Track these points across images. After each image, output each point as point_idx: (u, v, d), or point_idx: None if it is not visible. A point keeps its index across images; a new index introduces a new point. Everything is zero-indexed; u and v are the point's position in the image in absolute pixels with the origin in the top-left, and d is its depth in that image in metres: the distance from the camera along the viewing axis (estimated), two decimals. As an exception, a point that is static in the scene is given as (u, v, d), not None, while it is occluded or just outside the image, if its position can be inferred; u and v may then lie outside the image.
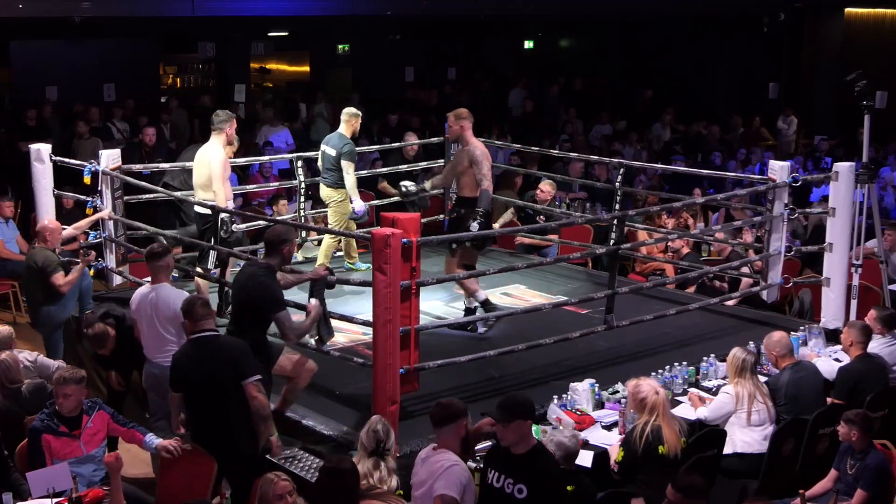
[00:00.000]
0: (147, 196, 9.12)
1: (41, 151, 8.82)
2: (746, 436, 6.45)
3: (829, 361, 7.43)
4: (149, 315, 6.82)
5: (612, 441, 6.27)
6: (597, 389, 6.81)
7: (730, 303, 8.82)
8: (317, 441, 6.48)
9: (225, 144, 8.26)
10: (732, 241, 9.79)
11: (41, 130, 12.53)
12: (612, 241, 8.59)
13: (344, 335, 8.07)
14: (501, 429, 4.98)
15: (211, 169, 8.10)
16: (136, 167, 9.69)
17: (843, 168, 8.38)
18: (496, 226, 11.04)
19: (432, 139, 10.79)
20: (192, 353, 5.92)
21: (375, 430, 5.40)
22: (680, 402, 6.87)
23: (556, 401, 6.65)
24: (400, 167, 10.80)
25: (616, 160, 11.01)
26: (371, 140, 13.87)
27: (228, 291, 8.15)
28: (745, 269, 9.18)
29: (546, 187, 11.00)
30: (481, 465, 5.39)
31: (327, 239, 9.42)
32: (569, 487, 5.30)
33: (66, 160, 9.20)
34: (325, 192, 9.39)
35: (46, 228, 8.47)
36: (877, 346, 7.27)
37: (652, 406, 5.79)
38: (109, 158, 8.84)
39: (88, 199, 8.84)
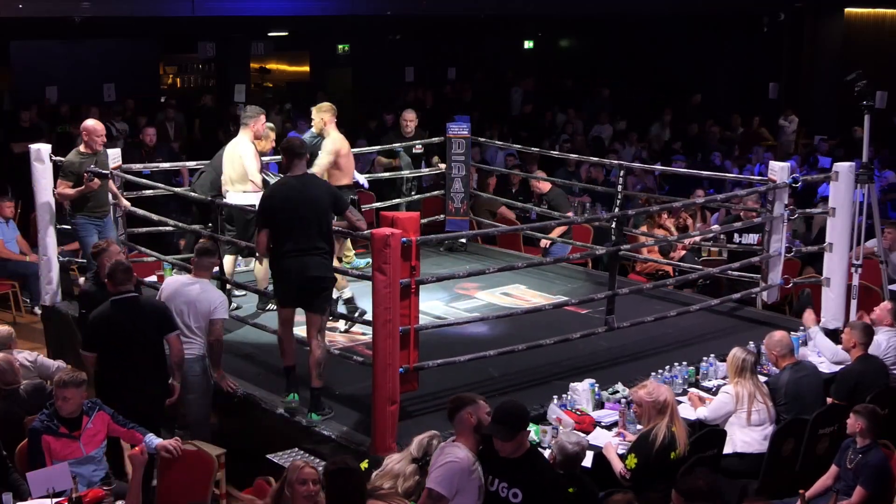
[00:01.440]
0: (148, 193, 9.15)
1: (41, 151, 8.81)
2: (746, 436, 6.45)
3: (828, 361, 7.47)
4: (183, 303, 6.83)
5: (606, 442, 6.25)
6: (597, 389, 6.81)
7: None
8: (317, 441, 6.47)
9: (252, 139, 8.35)
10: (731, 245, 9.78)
11: (32, 131, 12.53)
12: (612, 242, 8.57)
13: (344, 335, 8.08)
14: (502, 443, 4.97)
15: (243, 164, 8.19)
16: (137, 166, 9.70)
17: (843, 168, 8.38)
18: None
19: (433, 139, 10.76)
20: (117, 312, 6.43)
21: (430, 442, 5.38)
22: (680, 402, 6.86)
23: (556, 401, 6.65)
24: (395, 144, 10.70)
25: (616, 161, 11.01)
26: (369, 140, 13.85)
27: (230, 289, 8.20)
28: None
29: (540, 174, 11.08)
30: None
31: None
32: (570, 489, 5.29)
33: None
34: None
35: (85, 128, 8.41)
36: (885, 337, 7.33)
37: (670, 405, 5.79)
38: (110, 158, 8.83)
39: None
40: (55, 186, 8.51)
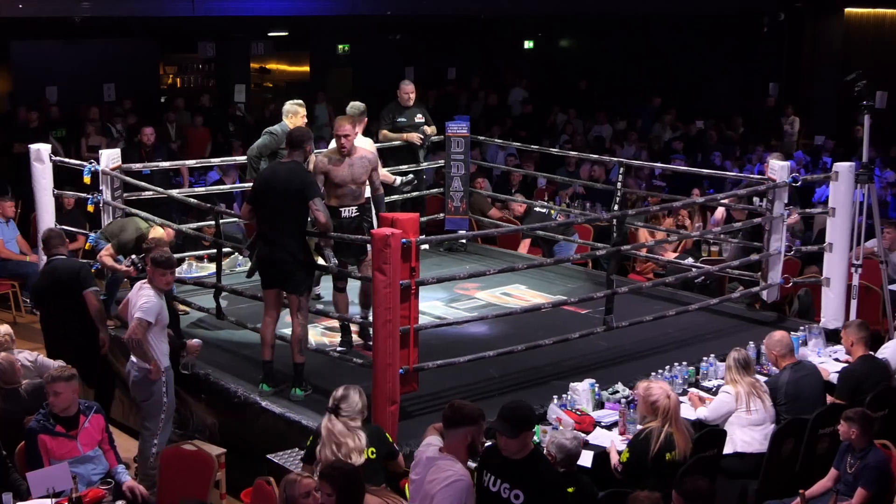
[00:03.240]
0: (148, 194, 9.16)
1: (41, 151, 8.81)
2: (746, 435, 6.45)
3: (830, 363, 7.46)
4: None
5: (611, 440, 6.27)
6: (597, 389, 6.81)
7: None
8: (317, 441, 6.47)
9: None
10: (733, 241, 9.77)
11: (39, 132, 12.52)
12: (612, 242, 8.57)
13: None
14: (506, 440, 4.95)
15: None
16: (136, 166, 9.69)
17: (843, 168, 8.38)
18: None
19: (433, 138, 10.73)
20: (47, 274, 7.53)
21: (347, 394, 5.62)
22: (680, 402, 6.85)
23: (556, 401, 6.65)
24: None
25: (616, 159, 11.02)
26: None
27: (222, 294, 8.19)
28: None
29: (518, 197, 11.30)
30: (476, 467, 5.35)
31: None
32: (569, 489, 5.29)
33: (66, 160, 9.21)
34: None
35: (155, 239, 7.94)
36: None
37: (664, 411, 5.77)
38: (109, 158, 8.83)
39: (89, 196, 8.84)
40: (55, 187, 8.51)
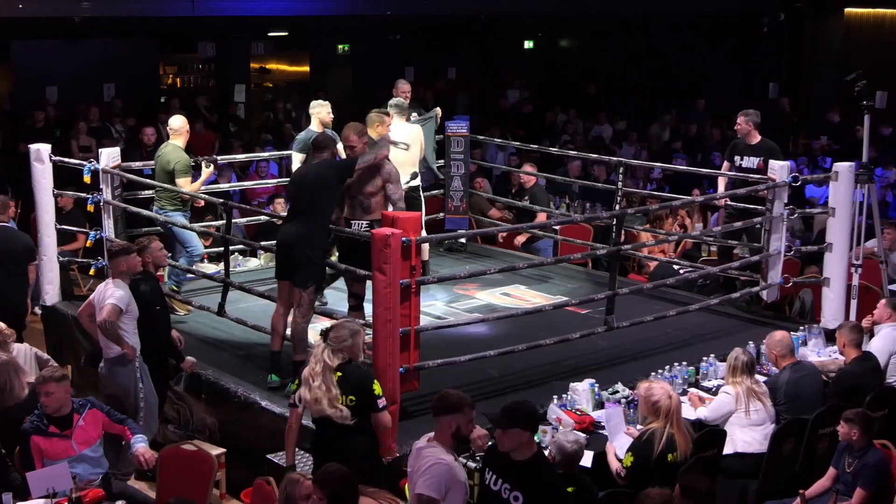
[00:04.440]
0: (147, 193, 9.16)
1: (41, 151, 8.81)
2: (746, 435, 6.45)
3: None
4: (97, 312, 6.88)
5: (609, 442, 6.26)
6: (597, 389, 6.81)
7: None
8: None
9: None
10: (734, 242, 9.77)
11: (42, 131, 12.52)
12: (611, 242, 8.57)
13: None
14: (500, 433, 4.95)
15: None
16: (136, 165, 9.69)
17: (843, 168, 8.38)
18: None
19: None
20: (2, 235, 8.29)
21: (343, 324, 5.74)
22: (681, 403, 6.85)
23: (556, 401, 6.65)
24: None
25: (616, 159, 11.02)
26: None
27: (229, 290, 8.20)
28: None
29: (528, 168, 11.18)
30: (480, 465, 5.36)
31: None
32: (569, 489, 5.28)
33: (66, 160, 9.21)
34: None
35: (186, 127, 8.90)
36: (890, 332, 7.33)
37: (666, 411, 5.75)
38: (109, 157, 8.82)
39: (88, 195, 8.84)
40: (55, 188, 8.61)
